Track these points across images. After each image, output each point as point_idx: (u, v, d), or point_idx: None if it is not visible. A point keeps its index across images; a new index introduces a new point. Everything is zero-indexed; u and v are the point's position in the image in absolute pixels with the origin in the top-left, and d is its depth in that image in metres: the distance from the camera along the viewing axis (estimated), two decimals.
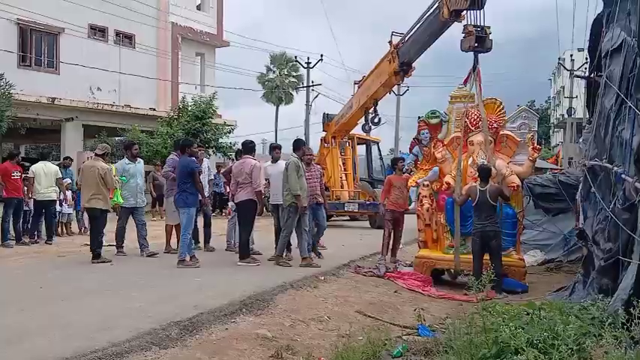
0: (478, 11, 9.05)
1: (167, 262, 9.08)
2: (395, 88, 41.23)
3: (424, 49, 11.70)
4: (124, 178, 9.96)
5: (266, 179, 9.92)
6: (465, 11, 9.33)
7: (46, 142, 29.47)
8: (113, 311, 5.82)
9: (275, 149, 10.43)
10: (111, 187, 9.60)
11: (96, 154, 9.77)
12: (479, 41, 8.85)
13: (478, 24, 8.99)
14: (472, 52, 9.01)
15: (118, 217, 10.07)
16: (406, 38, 11.90)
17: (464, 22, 9.35)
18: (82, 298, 6.48)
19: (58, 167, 12.69)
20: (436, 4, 10.03)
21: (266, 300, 6.50)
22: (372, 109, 14.67)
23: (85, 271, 8.53)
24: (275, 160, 10.12)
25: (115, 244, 10.05)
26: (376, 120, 14.98)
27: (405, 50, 12.00)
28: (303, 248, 9.32)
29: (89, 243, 9.50)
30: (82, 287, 7.16)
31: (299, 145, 9.80)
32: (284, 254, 9.51)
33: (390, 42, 12.49)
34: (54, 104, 20.98)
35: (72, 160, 15.52)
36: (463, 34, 9.07)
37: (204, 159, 11.36)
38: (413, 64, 12.43)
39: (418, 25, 11.13)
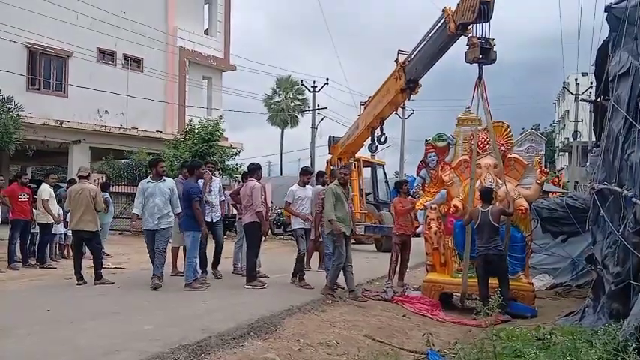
0: (483, 24, 9.14)
1: (174, 284, 9.04)
2: (400, 112, 41.42)
3: (431, 66, 11.77)
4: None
5: (288, 202, 10.07)
6: (471, 25, 9.41)
7: (54, 165, 29.64)
8: (120, 334, 5.77)
9: (306, 174, 10.30)
10: (101, 209, 9.73)
11: (81, 177, 9.78)
12: (483, 53, 8.93)
13: (482, 36, 9.08)
14: (477, 64, 9.08)
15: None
16: (412, 55, 11.98)
17: (469, 35, 9.44)
18: (89, 322, 6.44)
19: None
20: (442, 20, 10.14)
21: (274, 324, 6.45)
22: (378, 128, 14.72)
23: (92, 293, 8.50)
24: (304, 185, 10.12)
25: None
26: (383, 139, 15.00)
27: (411, 67, 12.07)
28: (349, 281, 8.81)
29: (94, 267, 9.45)
30: (89, 310, 7.13)
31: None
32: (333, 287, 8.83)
33: (397, 60, 12.59)
34: (62, 127, 21.14)
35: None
36: (467, 46, 9.16)
37: (216, 178, 10.75)
38: (419, 82, 12.50)
39: (425, 42, 11.22)
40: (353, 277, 8.84)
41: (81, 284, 9.25)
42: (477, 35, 9.10)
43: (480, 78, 9.05)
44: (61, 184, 15.70)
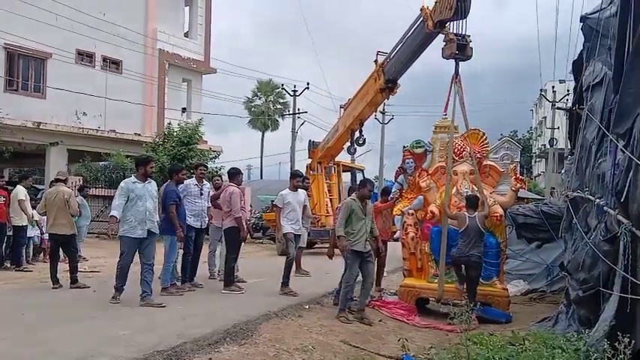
0: (459, 22, 9.29)
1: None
2: (380, 117, 41.78)
3: (409, 65, 11.96)
4: None
5: (278, 206, 9.58)
6: (449, 22, 9.55)
7: (30, 166, 29.23)
8: (96, 340, 5.73)
9: (295, 177, 9.95)
10: (74, 213, 9.57)
11: (58, 180, 9.74)
12: (460, 49, 9.07)
13: (459, 33, 9.22)
14: (453, 60, 9.20)
15: (120, 252, 8.20)
16: (391, 55, 12.16)
17: (446, 32, 9.59)
18: (64, 326, 6.39)
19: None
20: (421, 18, 10.29)
21: (250, 329, 6.45)
22: (357, 130, 14.86)
23: (67, 298, 8.42)
24: (295, 189, 9.74)
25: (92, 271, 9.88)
26: (361, 141, 15.19)
27: (390, 67, 12.25)
28: (362, 300, 8.16)
29: (70, 271, 9.38)
30: (64, 315, 7.07)
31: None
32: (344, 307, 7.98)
33: (376, 61, 12.80)
34: (39, 128, 20.88)
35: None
36: (444, 42, 9.30)
37: (207, 182, 10.19)
38: (398, 82, 12.68)
39: (403, 41, 11.38)
40: (368, 295, 8.41)
41: (56, 288, 9.20)
42: (454, 32, 9.25)
43: (456, 73, 9.19)
44: (39, 186, 15.54)
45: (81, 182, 19.54)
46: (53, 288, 9.18)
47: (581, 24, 8.32)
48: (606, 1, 7.05)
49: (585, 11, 8.53)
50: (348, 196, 8.94)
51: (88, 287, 9.18)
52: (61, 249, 9.78)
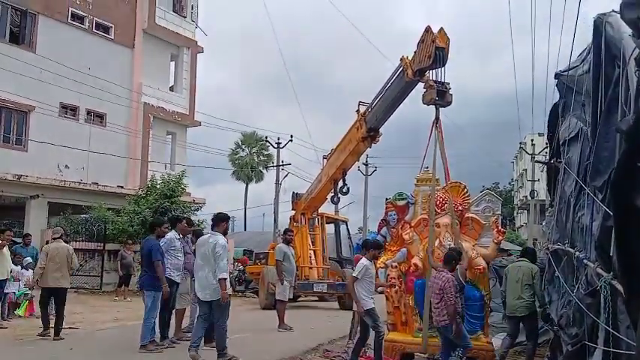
0: (438, 69, 9.50)
1: (130, 347, 8.73)
2: (363, 169, 42.07)
3: (390, 113, 12.17)
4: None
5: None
6: (428, 70, 9.76)
7: (9, 219, 28.80)
8: None
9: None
10: (75, 267, 10.06)
11: (55, 238, 10.13)
12: (440, 95, 9.24)
13: (439, 80, 9.42)
14: (434, 106, 9.36)
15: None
16: (373, 104, 12.38)
17: (426, 79, 9.80)
18: None
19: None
20: (401, 68, 10.52)
21: None
22: (340, 180, 14.97)
23: (42, 355, 8.19)
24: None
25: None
26: (345, 190, 15.26)
27: (371, 116, 12.46)
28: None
29: (55, 322, 9.60)
30: None
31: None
32: None
33: (358, 110, 13.02)
34: (20, 181, 20.73)
35: (31, 237, 15.01)
36: (424, 89, 9.48)
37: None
38: (380, 130, 12.88)
39: (384, 91, 11.61)
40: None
41: (45, 334, 9.54)
42: (434, 79, 9.45)
43: (436, 119, 9.33)
44: (16, 240, 15.29)
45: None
46: (41, 334, 9.54)
47: (556, 81, 8.56)
48: (578, 59, 7.27)
49: (560, 68, 8.79)
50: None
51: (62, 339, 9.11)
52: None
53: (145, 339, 8.55)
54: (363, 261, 8.45)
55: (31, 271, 12.79)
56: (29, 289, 12.74)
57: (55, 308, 9.89)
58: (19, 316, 12.57)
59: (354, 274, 8.36)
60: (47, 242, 12.60)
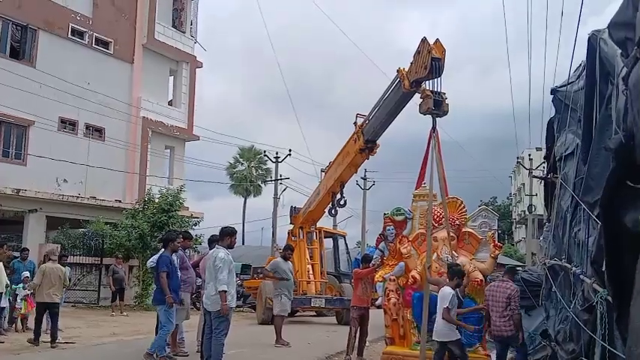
0: (435, 80, 9.58)
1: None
2: (361, 183, 42.08)
3: (387, 125, 12.26)
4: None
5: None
6: (424, 81, 9.84)
7: (7, 233, 28.76)
8: None
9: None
10: (67, 285, 11.45)
11: (52, 260, 11.44)
12: (436, 105, 9.31)
13: (435, 90, 9.50)
14: (430, 116, 9.41)
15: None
16: (370, 116, 12.45)
17: (422, 89, 9.88)
18: None
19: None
20: (397, 79, 10.61)
21: None
22: (338, 192, 15.04)
23: None
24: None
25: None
26: (342, 202, 15.34)
27: (369, 128, 12.55)
28: None
29: (51, 331, 10.65)
30: None
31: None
32: None
33: (355, 123, 13.11)
34: (18, 195, 20.71)
35: (28, 251, 14.92)
36: (421, 99, 9.55)
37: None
38: (377, 142, 12.96)
39: (381, 102, 11.70)
40: None
41: (35, 343, 10.42)
42: (430, 89, 9.54)
43: (433, 128, 9.39)
44: (15, 253, 15.27)
45: (59, 250, 19.18)
46: (31, 341, 10.46)
47: (552, 96, 8.64)
48: (574, 75, 7.34)
49: (556, 84, 8.87)
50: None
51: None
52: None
53: (153, 348, 8.49)
54: (450, 290, 7.91)
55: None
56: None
57: (49, 320, 10.81)
58: (22, 315, 12.71)
59: (446, 306, 7.79)
60: (44, 260, 13.62)
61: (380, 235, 10.69)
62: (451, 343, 7.85)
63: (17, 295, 12.44)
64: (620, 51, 4.08)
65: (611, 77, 4.71)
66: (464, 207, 9.74)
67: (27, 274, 12.84)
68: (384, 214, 10.73)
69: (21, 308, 12.60)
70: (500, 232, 67.94)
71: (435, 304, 8.66)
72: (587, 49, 5.60)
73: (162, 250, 9.15)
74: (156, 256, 9.50)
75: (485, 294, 8.55)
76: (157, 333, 9.11)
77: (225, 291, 7.71)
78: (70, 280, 14.50)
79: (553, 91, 8.64)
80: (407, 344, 9.34)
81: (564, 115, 7.86)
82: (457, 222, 9.42)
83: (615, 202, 3.37)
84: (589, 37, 5.53)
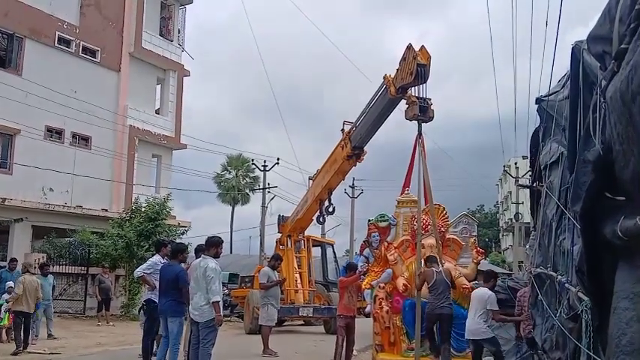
0: (421, 86, 9.66)
1: None
2: (349, 191, 42.10)
3: (374, 131, 12.34)
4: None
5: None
6: (410, 87, 9.91)
7: None
8: None
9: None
10: (40, 297, 11.93)
11: (30, 272, 12.37)
12: (422, 111, 9.38)
13: (421, 96, 9.58)
14: (416, 122, 9.49)
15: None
16: (357, 123, 12.53)
17: (408, 95, 9.97)
18: None
19: None
20: (384, 86, 10.68)
21: None
22: (326, 200, 15.04)
23: None
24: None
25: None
26: (330, 209, 15.33)
27: (356, 134, 12.62)
28: None
29: (24, 338, 11.15)
30: None
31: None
32: None
33: (342, 130, 13.17)
34: (4, 204, 20.52)
35: (17, 262, 14.83)
36: (407, 105, 9.62)
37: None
38: (364, 148, 13.03)
39: (368, 109, 11.78)
40: None
41: (18, 353, 10.72)
42: (416, 95, 9.61)
43: (419, 134, 9.46)
44: (2, 263, 15.23)
45: (44, 259, 18.99)
46: (15, 353, 10.70)
47: (537, 106, 8.70)
48: (559, 84, 7.40)
49: (541, 93, 8.93)
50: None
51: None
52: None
53: None
54: (489, 291, 8.56)
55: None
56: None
57: (24, 328, 11.35)
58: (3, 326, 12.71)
59: (490, 307, 8.47)
60: (24, 271, 13.44)
61: (364, 241, 10.74)
62: (485, 341, 8.34)
63: (1, 305, 12.33)
64: (599, 64, 4.12)
65: (595, 87, 4.76)
66: (446, 214, 9.83)
67: (11, 283, 12.70)
68: (369, 220, 10.79)
69: (3, 319, 12.49)
70: (487, 239, 68.35)
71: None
72: (571, 59, 5.65)
73: (170, 261, 8.86)
74: (143, 266, 9.45)
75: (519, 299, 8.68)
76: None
77: (219, 301, 7.64)
78: (53, 289, 14.88)
79: (538, 101, 8.69)
80: (397, 351, 9.37)
81: (549, 124, 7.92)
82: (442, 229, 9.48)
83: (596, 213, 3.39)
84: (572, 48, 5.58)
